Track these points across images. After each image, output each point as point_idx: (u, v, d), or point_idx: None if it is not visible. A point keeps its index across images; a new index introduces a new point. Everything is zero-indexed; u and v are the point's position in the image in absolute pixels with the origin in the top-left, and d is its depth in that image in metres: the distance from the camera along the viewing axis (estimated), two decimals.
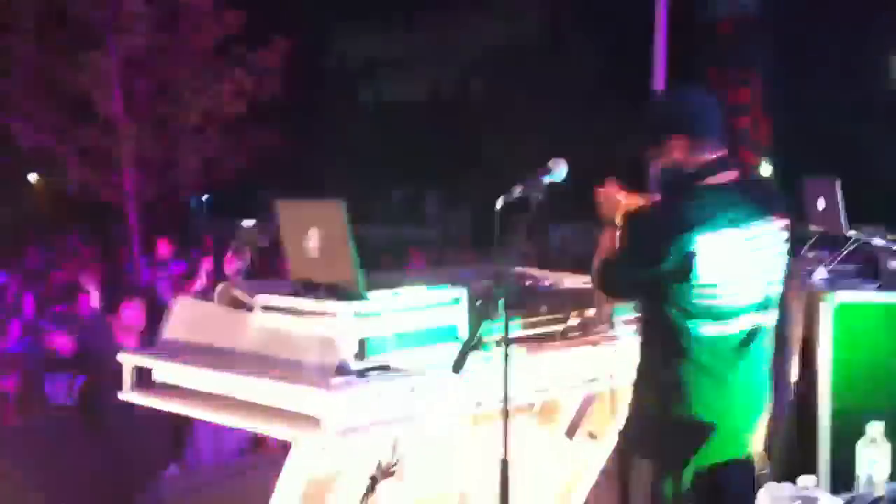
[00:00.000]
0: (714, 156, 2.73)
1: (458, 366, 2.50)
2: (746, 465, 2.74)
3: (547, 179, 2.67)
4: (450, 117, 16.30)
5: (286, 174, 14.50)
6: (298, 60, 11.61)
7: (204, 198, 16.18)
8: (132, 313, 4.74)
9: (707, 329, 2.65)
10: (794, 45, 14.85)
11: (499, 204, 2.57)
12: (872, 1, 13.94)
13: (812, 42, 15.06)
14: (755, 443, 2.82)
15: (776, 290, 2.76)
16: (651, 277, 2.66)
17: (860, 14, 14.50)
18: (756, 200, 2.72)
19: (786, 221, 2.79)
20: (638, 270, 2.70)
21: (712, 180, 2.70)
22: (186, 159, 10.94)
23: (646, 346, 2.82)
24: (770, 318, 2.75)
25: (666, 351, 2.71)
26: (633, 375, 2.86)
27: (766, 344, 2.77)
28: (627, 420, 2.85)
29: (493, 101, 16.10)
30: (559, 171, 2.69)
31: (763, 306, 2.72)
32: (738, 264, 2.65)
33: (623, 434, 2.90)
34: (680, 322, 2.65)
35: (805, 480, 2.17)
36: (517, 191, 2.61)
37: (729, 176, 2.73)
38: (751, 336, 2.70)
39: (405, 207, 18.48)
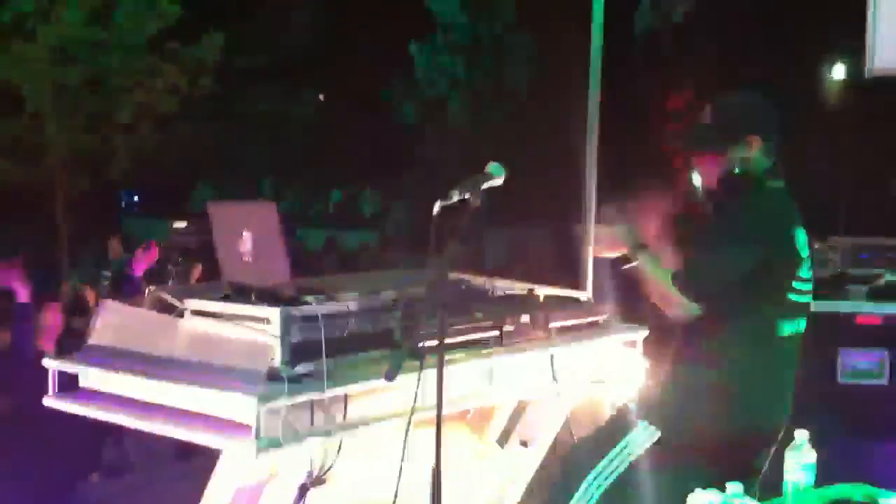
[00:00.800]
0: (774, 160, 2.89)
1: (391, 374, 2.47)
2: None
3: (485, 183, 2.63)
4: (388, 116, 16.24)
5: (220, 172, 14.33)
6: (233, 56, 11.46)
7: (135, 197, 15.89)
8: (51, 315, 4.60)
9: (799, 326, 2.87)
10: (729, 52, 15.14)
11: (436, 208, 2.53)
12: (808, 11, 14.28)
13: (747, 51, 15.38)
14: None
15: None
16: (751, 273, 2.71)
17: (796, 24, 14.85)
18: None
19: None
20: (734, 269, 2.73)
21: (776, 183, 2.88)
22: (118, 155, 10.71)
23: (726, 349, 2.82)
24: None
25: (757, 351, 2.80)
26: (694, 383, 2.87)
27: None
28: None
29: (431, 101, 16.08)
30: (497, 174, 2.65)
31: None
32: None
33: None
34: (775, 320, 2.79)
35: (733, 487, 2.19)
36: (454, 194, 2.57)
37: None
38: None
39: (343, 208, 18.37)
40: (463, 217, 2.54)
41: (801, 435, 2.36)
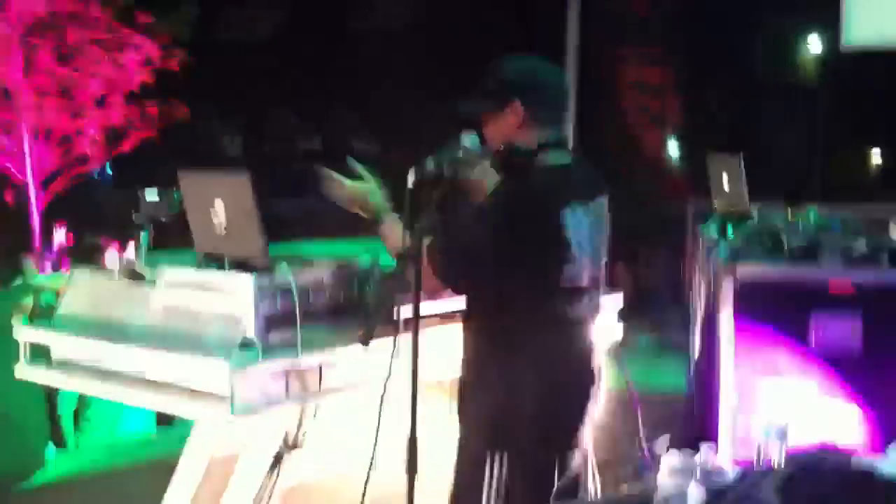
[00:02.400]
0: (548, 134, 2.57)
1: (366, 337, 2.46)
2: None
3: (459, 152, 2.54)
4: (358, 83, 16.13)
5: (192, 145, 14.20)
6: (206, 29, 11.32)
7: (107, 169, 15.72)
8: None
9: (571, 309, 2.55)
10: (703, 25, 15.15)
11: (410, 178, 2.49)
12: None
13: (720, 23, 15.39)
14: None
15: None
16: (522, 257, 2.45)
17: None
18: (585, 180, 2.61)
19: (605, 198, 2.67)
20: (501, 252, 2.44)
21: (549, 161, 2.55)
22: (89, 130, 10.57)
23: (496, 336, 2.58)
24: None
25: (526, 337, 2.53)
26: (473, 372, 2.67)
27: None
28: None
29: (406, 68, 15.98)
30: (471, 143, 2.57)
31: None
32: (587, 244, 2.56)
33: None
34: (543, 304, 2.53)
35: (707, 449, 2.20)
36: (429, 164, 2.51)
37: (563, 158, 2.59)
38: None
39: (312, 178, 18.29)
40: (439, 188, 2.48)
41: (775, 398, 2.38)
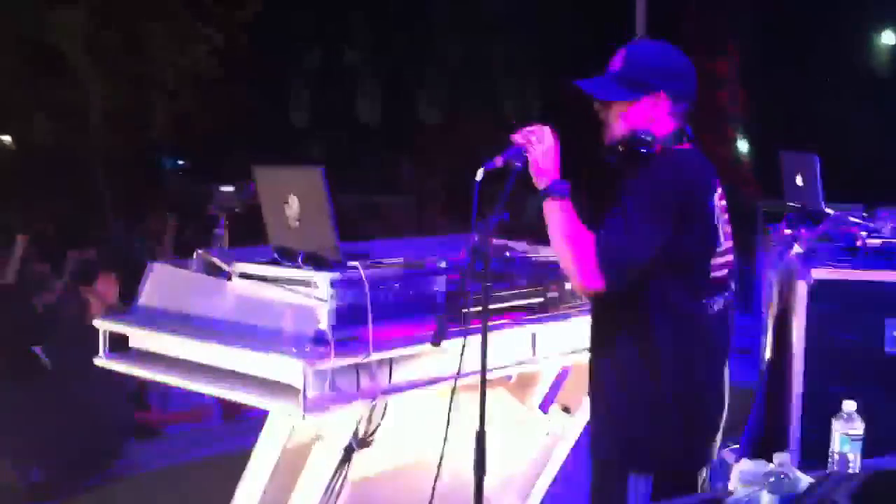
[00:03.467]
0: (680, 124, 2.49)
1: (438, 337, 2.47)
2: None
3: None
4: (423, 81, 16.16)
5: (260, 137, 14.37)
6: (272, 18, 11.45)
7: (180, 161, 15.99)
8: (105, 286, 4.67)
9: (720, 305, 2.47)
10: (774, 17, 14.84)
11: (479, 174, 2.47)
12: None
13: (792, 15, 15.06)
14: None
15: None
16: (663, 251, 2.34)
17: None
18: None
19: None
20: (649, 245, 2.34)
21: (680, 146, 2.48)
22: (158, 118, 10.79)
23: (639, 340, 2.46)
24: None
25: (677, 339, 2.43)
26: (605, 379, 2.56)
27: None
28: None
29: (469, 64, 15.95)
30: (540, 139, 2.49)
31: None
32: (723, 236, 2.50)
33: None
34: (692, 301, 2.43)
35: (780, 457, 2.17)
36: (498, 160, 2.47)
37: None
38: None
39: (379, 173, 18.36)
40: (506, 182, 2.44)
41: (849, 405, 2.32)
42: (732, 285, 2.58)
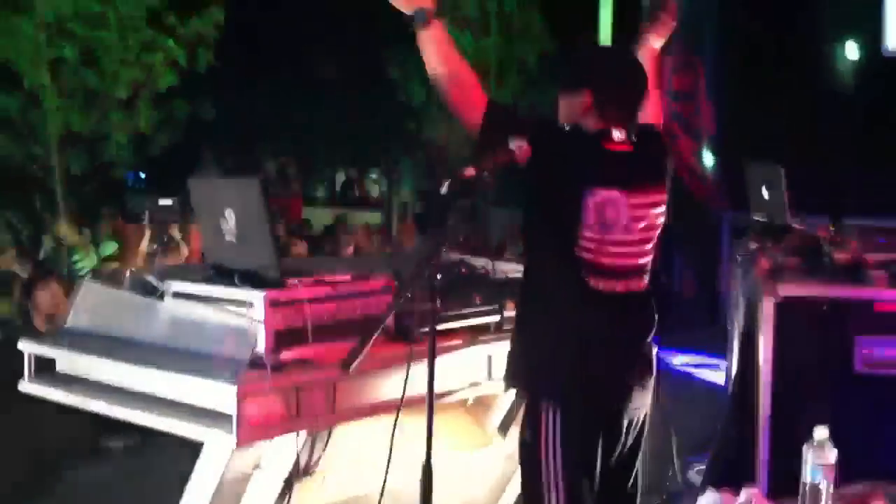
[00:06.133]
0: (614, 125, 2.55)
1: (348, 362, 2.29)
2: None
3: (505, 162, 2.43)
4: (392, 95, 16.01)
5: (224, 150, 14.18)
6: (236, 31, 11.25)
7: (141, 174, 15.76)
8: (45, 296, 4.45)
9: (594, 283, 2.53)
10: (737, 32, 14.89)
11: (444, 187, 2.36)
12: None
13: (756, 29, 15.11)
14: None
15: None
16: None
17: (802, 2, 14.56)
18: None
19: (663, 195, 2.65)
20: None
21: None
22: (116, 133, 10.54)
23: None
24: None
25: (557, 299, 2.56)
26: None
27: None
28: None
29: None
30: (520, 153, 2.45)
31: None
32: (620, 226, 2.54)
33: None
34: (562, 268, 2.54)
35: (747, 493, 2.04)
36: (469, 172, 2.36)
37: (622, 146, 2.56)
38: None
39: (348, 188, 18.22)
40: (471, 195, 2.36)
41: (821, 433, 2.19)
42: (642, 282, 2.62)
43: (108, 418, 2.67)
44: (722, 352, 5.52)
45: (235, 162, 15.27)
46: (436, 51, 2.57)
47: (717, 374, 6.75)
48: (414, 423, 2.66)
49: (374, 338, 2.19)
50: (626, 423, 2.62)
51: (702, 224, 10.28)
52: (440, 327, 2.50)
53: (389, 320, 2.61)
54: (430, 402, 2.22)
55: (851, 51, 16.95)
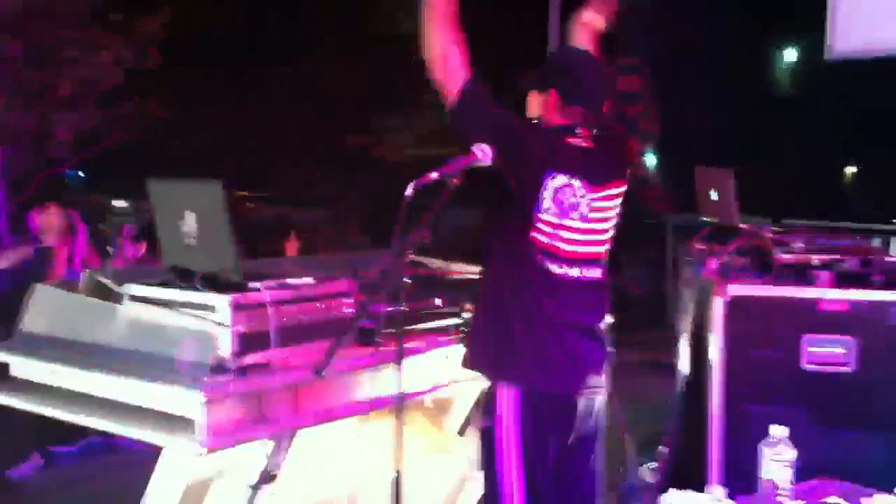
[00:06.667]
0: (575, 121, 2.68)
1: (320, 368, 2.31)
2: None
3: (470, 165, 2.47)
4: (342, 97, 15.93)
5: (170, 151, 13.95)
6: (184, 29, 11.11)
7: (80, 173, 15.42)
8: None
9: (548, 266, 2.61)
10: (678, 34, 15.11)
11: (409, 190, 2.37)
12: None
13: (696, 31, 15.37)
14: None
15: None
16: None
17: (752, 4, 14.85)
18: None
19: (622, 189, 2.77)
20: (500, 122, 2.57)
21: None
22: (60, 132, 10.34)
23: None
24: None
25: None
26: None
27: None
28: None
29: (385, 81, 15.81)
30: (484, 157, 2.48)
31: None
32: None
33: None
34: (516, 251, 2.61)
35: (715, 491, 2.08)
36: (433, 175, 2.40)
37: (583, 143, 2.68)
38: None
39: (294, 188, 18.04)
40: (438, 199, 2.39)
41: (778, 430, 2.25)
42: (596, 271, 2.71)
43: (54, 424, 2.64)
44: (669, 351, 5.60)
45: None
46: (434, 15, 2.62)
47: (665, 373, 6.83)
48: (372, 425, 2.67)
49: (343, 341, 2.20)
50: (581, 406, 2.66)
51: (646, 225, 10.42)
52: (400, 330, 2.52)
53: (351, 324, 2.63)
54: (400, 405, 2.23)
55: (790, 55, 17.32)
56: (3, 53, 9.80)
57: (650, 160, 16.29)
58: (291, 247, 6.62)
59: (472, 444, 3.50)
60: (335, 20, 15.60)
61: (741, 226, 4.48)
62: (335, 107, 15.73)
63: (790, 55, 17.42)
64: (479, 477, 3.54)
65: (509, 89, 2.89)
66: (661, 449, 4.58)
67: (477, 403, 3.51)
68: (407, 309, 2.32)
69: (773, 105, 16.20)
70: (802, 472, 2.49)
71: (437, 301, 3.00)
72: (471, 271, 3.31)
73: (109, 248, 2.92)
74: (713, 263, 4.20)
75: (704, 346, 3.96)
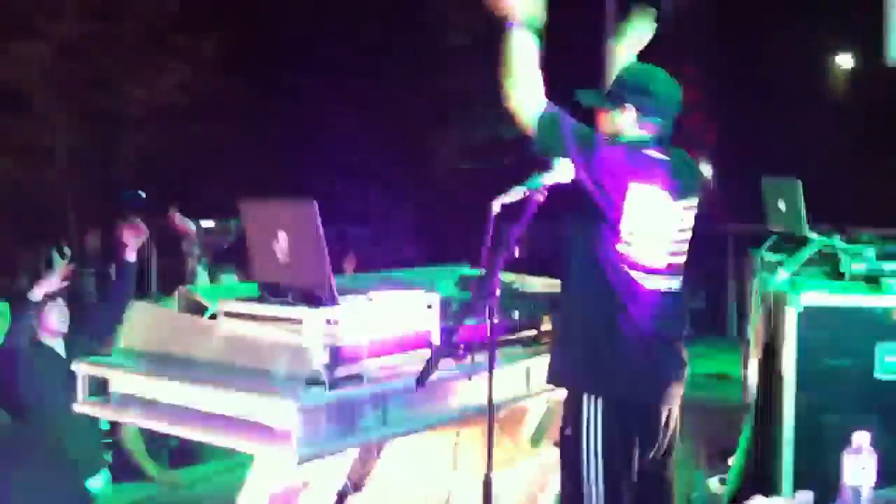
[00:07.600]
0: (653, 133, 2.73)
1: (422, 378, 2.39)
2: None
3: (548, 179, 2.60)
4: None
5: (230, 171, 14.19)
6: (243, 52, 11.32)
7: (142, 193, 15.73)
8: (50, 315, 4.46)
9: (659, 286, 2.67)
10: (737, 43, 15.01)
11: (496, 206, 2.46)
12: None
13: (755, 40, 15.24)
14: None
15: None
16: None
17: (803, 11, 14.68)
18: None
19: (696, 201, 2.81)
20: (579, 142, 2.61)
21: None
22: (125, 154, 10.61)
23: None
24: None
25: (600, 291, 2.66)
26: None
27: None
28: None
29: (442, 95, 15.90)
30: (562, 169, 2.60)
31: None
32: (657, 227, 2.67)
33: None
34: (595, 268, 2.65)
35: (803, 496, 2.11)
36: (518, 192, 2.52)
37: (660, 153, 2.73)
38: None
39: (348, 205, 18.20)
40: (524, 214, 2.52)
41: (860, 437, 2.28)
42: (677, 282, 2.76)
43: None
44: (734, 363, 5.58)
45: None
46: (515, 52, 2.67)
47: (731, 384, 6.81)
48: (453, 436, 2.73)
49: (443, 352, 2.28)
50: (664, 417, 2.71)
51: (707, 236, 10.35)
52: (481, 343, 2.60)
53: (435, 337, 2.71)
54: (491, 416, 2.29)
55: (846, 61, 17.05)
56: (66, 77, 10.07)
57: (707, 170, 16.18)
58: (350, 265, 6.74)
59: (545, 455, 3.57)
60: (391, 37, 15.74)
61: (811, 235, 4.48)
62: (389, 121, 15.85)
63: (845, 60, 17.18)
64: (556, 486, 3.62)
65: (567, 98, 2.87)
66: (730, 461, 4.58)
67: (550, 414, 3.57)
68: (497, 322, 2.39)
69: (832, 111, 15.97)
70: (877, 481, 2.50)
71: (515, 314, 3.06)
72: (542, 284, 3.38)
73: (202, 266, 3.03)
74: (784, 274, 4.21)
75: (776, 356, 3.97)
